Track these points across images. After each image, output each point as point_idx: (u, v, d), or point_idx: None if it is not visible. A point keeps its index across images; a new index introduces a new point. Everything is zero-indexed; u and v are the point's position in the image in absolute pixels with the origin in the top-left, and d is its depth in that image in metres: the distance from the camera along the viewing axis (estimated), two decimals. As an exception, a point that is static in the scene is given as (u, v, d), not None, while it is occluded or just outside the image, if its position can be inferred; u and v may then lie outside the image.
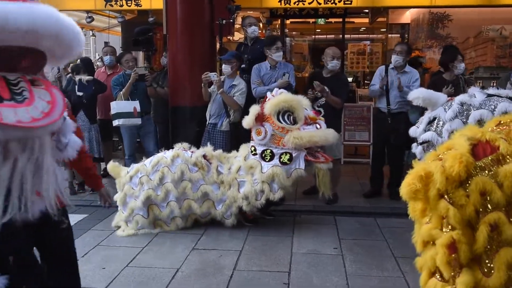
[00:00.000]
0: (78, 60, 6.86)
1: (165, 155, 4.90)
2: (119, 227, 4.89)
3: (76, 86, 6.07)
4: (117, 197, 4.89)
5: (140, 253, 4.30)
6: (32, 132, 1.62)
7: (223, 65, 5.63)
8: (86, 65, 6.84)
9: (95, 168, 3.45)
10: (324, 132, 4.67)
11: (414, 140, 3.55)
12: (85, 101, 6.16)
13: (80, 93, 6.07)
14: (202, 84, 5.51)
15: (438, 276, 2.36)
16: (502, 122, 2.49)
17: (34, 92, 1.68)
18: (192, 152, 4.95)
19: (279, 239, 4.63)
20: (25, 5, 1.60)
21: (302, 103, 4.72)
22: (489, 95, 3.19)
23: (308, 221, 5.19)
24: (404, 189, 2.36)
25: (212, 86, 5.56)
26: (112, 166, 5.06)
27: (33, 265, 2.46)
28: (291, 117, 4.62)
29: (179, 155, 4.85)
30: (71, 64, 6.58)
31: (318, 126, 4.69)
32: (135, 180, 4.85)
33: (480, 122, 3.37)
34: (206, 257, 4.20)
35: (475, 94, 3.23)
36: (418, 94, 3.42)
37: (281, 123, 4.61)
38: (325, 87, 5.40)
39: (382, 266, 4.01)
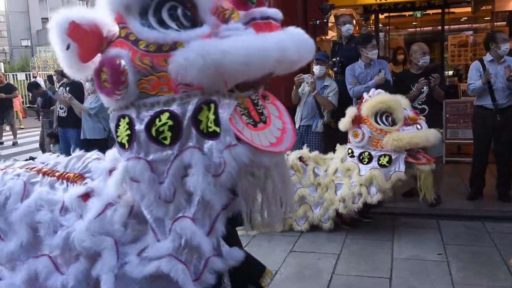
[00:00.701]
0: None
1: None
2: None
3: None
4: None
5: (239, 254, 4.39)
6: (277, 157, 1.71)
7: (315, 66, 5.58)
8: None
9: None
10: (425, 133, 4.48)
11: None
12: None
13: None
14: (294, 86, 5.51)
15: None
16: None
17: (268, 109, 1.71)
18: (287, 155, 4.97)
19: (378, 243, 4.51)
20: (295, 36, 1.65)
21: (400, 103, 4.56)
22: None
23: (408, 225, 5.02)
24: None
25: (300, 88, 5.54)
26: None
27: None
28: (390, 118, 4.49)
29: None
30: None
31: (419, 127, 4.51)
32: None
33: None
34: (304, 259, 4.21)
35: None
36: None
37: (379, 124, 4.51)
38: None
39: (492, 274, 3.77)
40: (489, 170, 5.73)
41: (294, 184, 4.76)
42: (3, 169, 2.25)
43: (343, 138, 4.97)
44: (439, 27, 11.12)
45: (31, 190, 2.07)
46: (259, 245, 4.60)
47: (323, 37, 9.41)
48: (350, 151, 4.72)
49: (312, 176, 4.83)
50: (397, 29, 13.25)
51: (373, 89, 4.84)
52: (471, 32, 11.22)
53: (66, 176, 2.10)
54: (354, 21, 10.44)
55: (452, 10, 11.19)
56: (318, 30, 6.43)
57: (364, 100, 4.63)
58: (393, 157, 4.48)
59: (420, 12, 11.20)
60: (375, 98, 4.57)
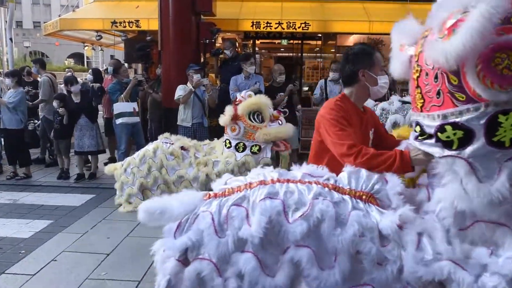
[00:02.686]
0: (69, 73, 6.79)
1: (148, 148, 4.83)
2: (120, 205, 4.81)
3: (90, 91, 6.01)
4: (116, 186, 4.85)
5: (138, 226, 4.24)
6: None
7: (195, 75, 5.41)
8: (96, 74, 6.73)
9: None
10: (286, 128, 4.67)
11: None
12: (94, 104, 6.05)
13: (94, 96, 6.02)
14: (191, 88, 5.37)
15: None
16: None
17: None
18: (172, 143, 4.88)
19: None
20: None
21: (267, 104, 4.72)
22: (404, 102, 3.23)
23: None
24: None
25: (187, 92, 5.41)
26: (108, 167, 4.97)
27: None
28: (260, 116, 4.62)
29: (159, 147, 4.79)
30: (64, 76, 6.47)
31: (280, 122, 4.70)
32: (128, 171, 4.78)
33: (395, 125, 3.43)
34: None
35: (394, 101, 3.28)
36: None
37: (252, 121, 4.61)
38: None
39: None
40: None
41: (173, 167, 4.70)
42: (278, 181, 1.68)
43: (220, 133, 5.00)
44: (299, 54, 11.70)
45: (339, 211, 1.57)
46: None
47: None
48: (227, 141, 4.76)
49: (193, 158, 4.78)
50: (269, 52, 13.67)
51: (244, 91, 4.94)
52: (321, 60, 12.05)
53: (358, 195, 1.64)
54: (237, 43, 10.64)
55: (308, 42, 11.87)
56: (208, 47, 6.45)
57: (238, 100, 4.70)
58: (262, 146, 4.63)
59: (286, 40, 11.69)
60: (249, 100, 4.63)
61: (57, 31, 9.55)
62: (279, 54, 13.34)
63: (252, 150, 4.61)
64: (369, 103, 3.44)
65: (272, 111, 4.71)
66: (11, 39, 9.95)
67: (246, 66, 5.64)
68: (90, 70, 6.90)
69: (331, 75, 5.98)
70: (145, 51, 7.15)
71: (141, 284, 3.00)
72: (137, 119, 5.88)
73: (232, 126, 4.66)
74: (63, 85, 6.56)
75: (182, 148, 4.87)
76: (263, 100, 4.70)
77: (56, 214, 4.58)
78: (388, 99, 5.53)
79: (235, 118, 4.62)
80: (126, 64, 7.33)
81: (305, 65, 11.43)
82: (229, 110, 4.63)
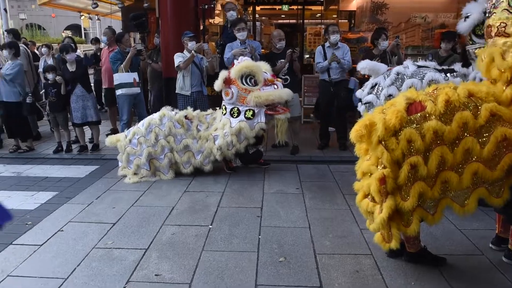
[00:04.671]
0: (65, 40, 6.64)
1: (153, 117, 4.79)
2: (125, 176, 4.81)
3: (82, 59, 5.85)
4: (120, 157, 4.83)
5: (142, 195, 4.25)
6: None
7: (190, 43, 5.29)
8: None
9: None
10: (279, 92, 4.58)
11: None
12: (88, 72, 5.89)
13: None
14: (193, 52, 5.23)
15: (370, 198, 2.64)
16: (438, 88, 2.52)
17: None
18: (175, 112, 4.86)
19: (253, 183, 4.63)
20: None
21: (261, 68, 4.61)
22: (419, 66, 3.16)
23: (276, 168, 5.19)
24: (353, 134, 2.49)
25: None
26: (109, 139, 4.94)
27: None
28: (253, 80, 4.54)
29: (165, 114, 4.75)
30: (59, 44, 6.32)
31: (276, 87, 4.62)
32: (134, 141, 4.74)
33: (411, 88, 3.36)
34: (195, 197, 4.18)
35: (408, 65, 3.19)
36: (364, 65, 3.34)
37: (244, 85, 4.54)
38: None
39: (333, 201, 4.07)
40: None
41: (180, 135, 4.69)
42: None
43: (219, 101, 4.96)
44: (301, 20, 11.41)
45: None
46: (160, 187, 4.50)
47: (212, 21, 9.20)
48: (224, 107, 4.71)
49: (196, 131, 4.77)
50: (269, 19, 13.37)
51: (241, 57, 4.84)
52: (323, 25, 11.75)
53: None
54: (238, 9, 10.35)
55: (309, 7, 11.56)
56: (206, 13, 6.25)
57: (232, 65, 4.62)
58: (255, 111, 4.56)
59: (286, 6, 11.40)
60: (241, 64, 4.56)
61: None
62: (280, 20, 13.06)
63: (246, 116, 4.57)
64: (382, 68, 3.34)
65: (267, 76, 4.62)
66: (5, 9, 9.71)
67: (236, 32, 5.44)
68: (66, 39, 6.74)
69: (332, 37, 5.52)
70: (140, 20, 6.94)
71: (148, 252, 3.03)
72: (137, 90, 5.77)
73: (225, 90, 4.63)
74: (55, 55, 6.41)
75: (186, 117, 4.84)
76: (256, 63, 4.61)
77: (61, 185, 4.59)
78: (389, 63, 5.42)
79: (228, 82, 4.57)
80: (131, 33, 7.11)
81: (306, 31, 11.15)
82: (222, 74, 4.57)
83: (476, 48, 3.04)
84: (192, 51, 5.23)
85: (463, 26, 3.06)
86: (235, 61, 4.75)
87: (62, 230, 3.43)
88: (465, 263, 2.86)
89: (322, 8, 11.30)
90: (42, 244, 3.18)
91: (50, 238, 3.29)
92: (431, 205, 2.46)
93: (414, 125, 2.37)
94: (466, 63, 3.26)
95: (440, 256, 2.86)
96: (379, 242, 2.66)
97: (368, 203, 2.63)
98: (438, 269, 2.77)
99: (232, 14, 6.05)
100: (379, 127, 2.38)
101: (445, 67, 3.17)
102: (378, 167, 2.51)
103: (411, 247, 2.79)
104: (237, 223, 3.53)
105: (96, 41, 8.48)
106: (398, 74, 3.14)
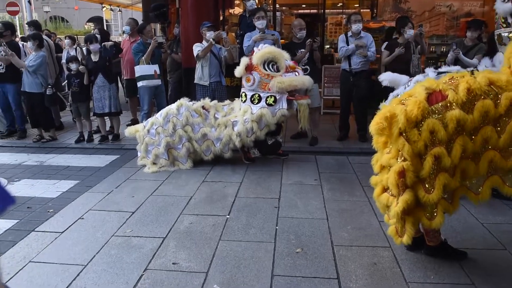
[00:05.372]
0: (95, 30, 6.69)
1: (171, 107, 4.82)
2: (144, 165, 4.87)
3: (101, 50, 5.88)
4: (139, 147, 4.91)
5: (161, 184, 4.30)
6: None
7: (208, 33, 5.27)
8: (102, 33, 6.59)
9: None
10: (301, 78, 4.58)
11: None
12: (108, 63, 5.88)
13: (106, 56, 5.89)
14: (211, 40, 5.20)
15: (389, 192, 2.59)
16: (454, 77, 2.44)
17: None
18: (193, 103, 4.88)
19: (271, 173, 4.61)
20: None
21: (283, 55, 4.59)
22: (439, 73, 3.04)
23: (294, 159, 5.16)
24: (373, 126, 2.41)
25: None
26: (128, 129, 5.03)
27: None
28: (275, 66, 4.51)
29: (183, 104, 4.79)
30: (85, 35, 6.38)
31: (297, 74, 4.58)
32: (152, 132, 4.79)
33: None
34: (214, 187, 4.21)
35: (428, 73, 3.07)
36: (385, 77, 3.23)
37: (266, 70, 4.51)
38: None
39: (352, 193, 4.02)
40: (353, 118, 6.00)
41: (198, 124, 4.72)
42: None
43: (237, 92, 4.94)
44: (322, 10, 11.23)
45: None
46: (178, 177, 4.54)
47: (232, 12, 9.16)
48: (243, 95, 4.69)
49: (213, 120, 4.78)
50: (290, 9, 13.21)
51: (261, 44, 4.81)
52: (344, 15, 11.53)
53: None
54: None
55: (331, -4, 11.36)
56: (226, 3, 6.22)
57: (253, 52, 4.59)
58: (277, 97, 4.52)
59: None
60: (263, 50, 4.53)
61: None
62: (300, 10, 12.88)
63: (267, 102, 4.54)
64: (403, 79, 3.24)
65: (288, 62, 4.60)
66: (29, 1, 9.91)
67: (255, 20, 5.41)
68: (96, 30, 6.78)
69: (354, 27, 5.40)
70: (161, 11, 6.96)
71: (166, 241, 3.06)
72: (158, 81, 5.81)
73: (247, 77, 4.60)
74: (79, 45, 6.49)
75: (203, 107, 4.86)
76: (279, 50, 4.58)
77: (82, 174, 4.68)
78: (413, 53, 5.27)
79: (249, 68, 4.55)
80: (151, 24, 7.15)
81: (327, 21, 10.97)
82: (244, 60, 4.55)
83: (510, 32, 2.95)
84: (211, 39, 5.22)
85: (502, 8, 2.94)
86: (255, 48, 4.72)
87: (82, 218, 3.50)
88: (487, 257, 2.78)
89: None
90: (63, 232, 3.26)
91: (71, 225, 3.37)
92: (448, 195, 2.44)
93: (436, 115, 2.30)
94: (492, 52, 3.14)
95: (461, 250, 2.79)
96: (392, 235, 2.64)
97: (388, 198, 2.57)
98: (458, 263, 2.71)
99: (252, 4, 6.02)
100: (400, 119, 2.32)
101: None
102: (398, 159, 2.46)
103: (431, 240, 2.73)
104: (255, 214, 3.53)
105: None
106: (417, 83, 3.04)
